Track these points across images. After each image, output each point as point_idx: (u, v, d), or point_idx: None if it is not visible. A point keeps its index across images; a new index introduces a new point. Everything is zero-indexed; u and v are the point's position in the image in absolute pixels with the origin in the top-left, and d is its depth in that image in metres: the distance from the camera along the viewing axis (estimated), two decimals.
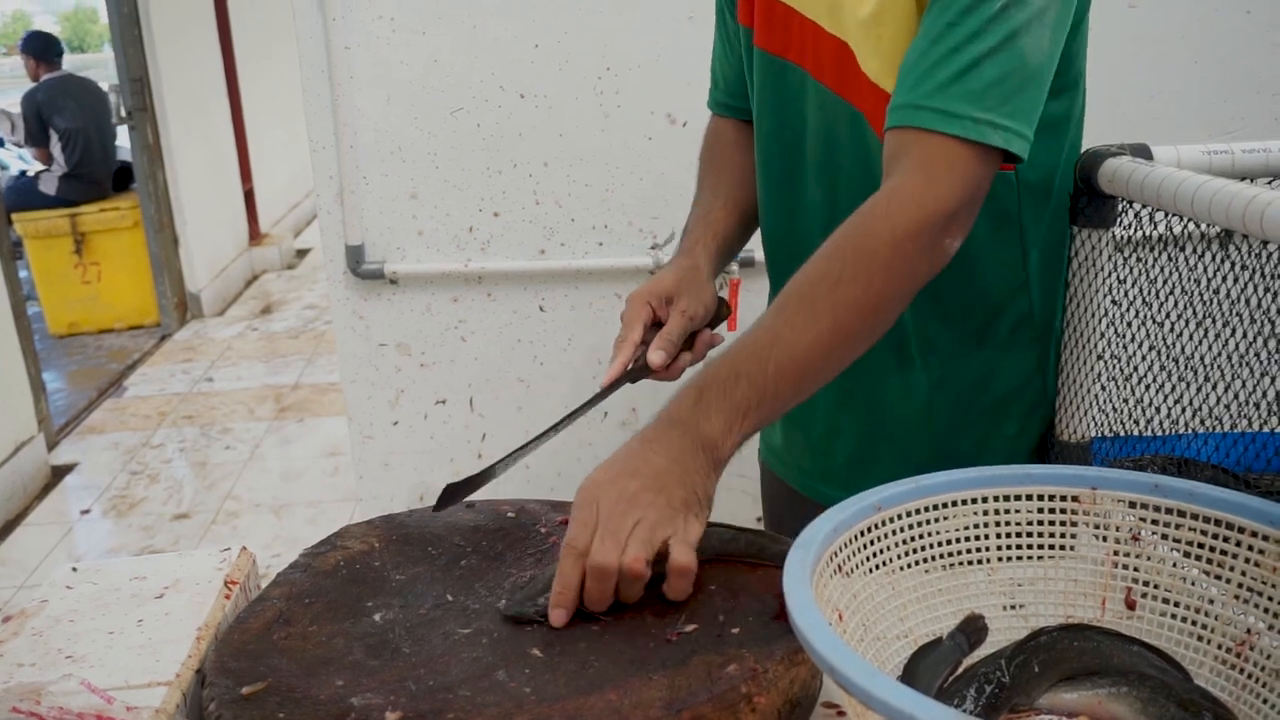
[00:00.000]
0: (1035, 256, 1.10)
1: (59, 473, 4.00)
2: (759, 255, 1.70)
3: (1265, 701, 0.75)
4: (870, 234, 0.91)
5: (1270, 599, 0.77)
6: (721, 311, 1.18)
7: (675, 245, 1.21)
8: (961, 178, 0.91)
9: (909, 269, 0.91)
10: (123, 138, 5.65)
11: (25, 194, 5.51)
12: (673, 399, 0.91)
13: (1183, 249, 1.09)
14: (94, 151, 5.60)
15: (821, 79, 1.08)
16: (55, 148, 5.53)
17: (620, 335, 1.06)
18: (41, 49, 5.75)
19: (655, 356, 1.05)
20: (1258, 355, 1.05)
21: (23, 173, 6.08)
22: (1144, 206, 1.05)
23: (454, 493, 1.00)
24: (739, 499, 2.32)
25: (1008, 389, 1.16)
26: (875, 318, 0.92)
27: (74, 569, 1.03)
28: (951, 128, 0.90)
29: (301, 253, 7.32)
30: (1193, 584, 0.81)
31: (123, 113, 5.38)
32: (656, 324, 1.10)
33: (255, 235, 6.96)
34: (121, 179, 5.76)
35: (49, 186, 5.51)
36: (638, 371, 1.06)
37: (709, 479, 0.90)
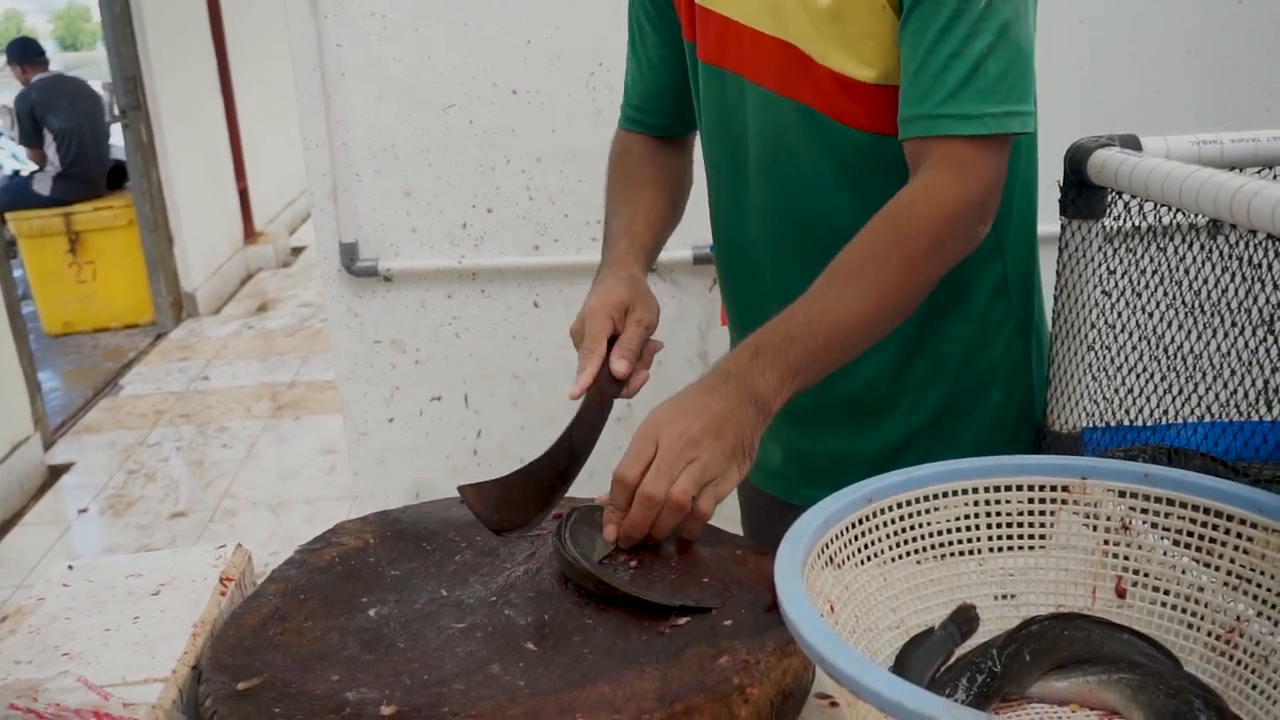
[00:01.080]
0: (1004, 218, 1.12)
1: (55, 472, 4.00)
2: None
3: (1254, 688, 0.76)
4: (912, 221, 0.99)
5: (1259, 586, 0.78)
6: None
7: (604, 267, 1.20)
8: (987, 168, 1.00)
9: (946, 254, 1.01)
10: (116, 136, 5.64)
11: (19, 193, 5.51)
12: (728, 355, 0.99)
13: (1172, 239, 1.09)
14: (88, 151, 5.59)
15: (760, 82, 1.11)
16: (49, 147, 5.53)
17: (586, 346, 1.07)
18: (23, 53, 5.74)
19: (619, 365, 1.07)
20: (1247, 344, 1.06)
21: (16, 172, 6.08)
22: (1133, 197, 1.05)
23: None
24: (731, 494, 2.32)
25: (991, 358, 1.18)
26: (914, 296, 1.01)
27: (70, 567, 1.03)
28: (973, 128, 0.97)
29: (296, 250, 7.31)
30: (1183, 572, 0.82)
31: (116, 111, 5.38)
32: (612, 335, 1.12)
33: (250, 233, 6.96)
34: (115, 178, 5.76)
35: (43, 186, 5.50)
36: (604, 388, 1.07)
37: (757, 431, 0.96)
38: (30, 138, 5.60)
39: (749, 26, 1.09)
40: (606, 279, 1.14)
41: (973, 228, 1.01)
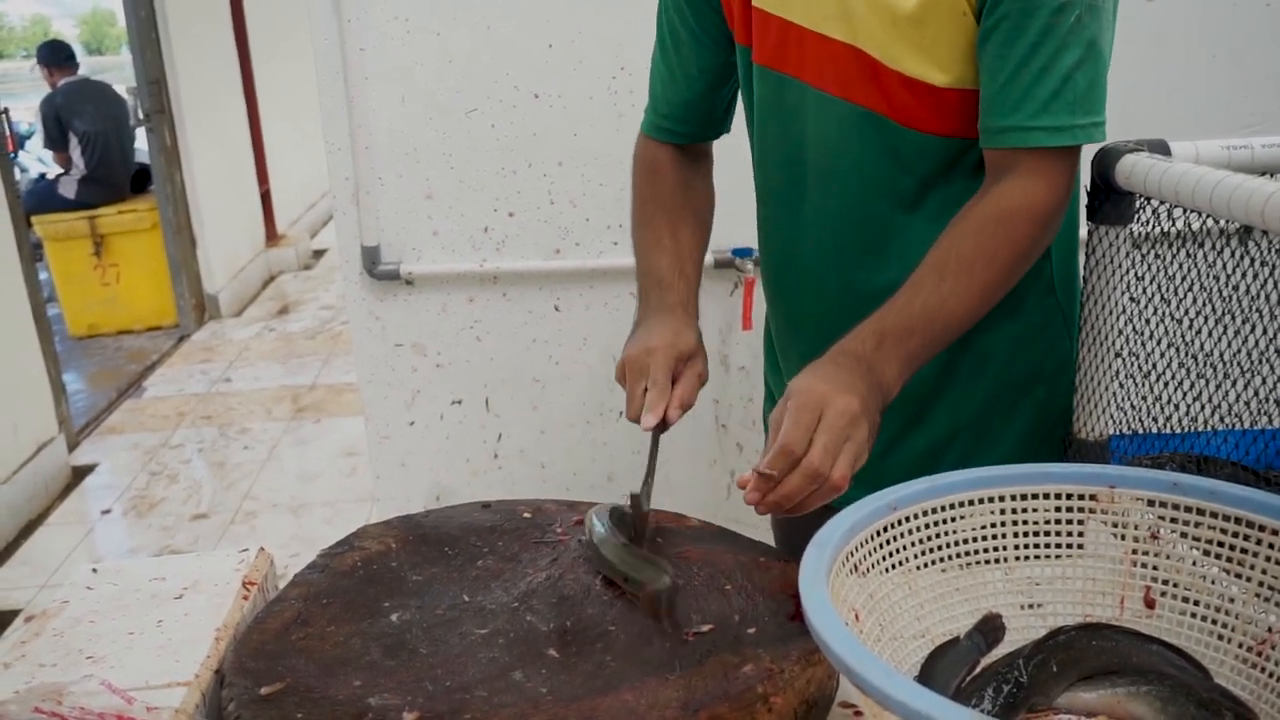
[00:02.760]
0: None
1: (79, 473, 4.03)
2: None
3: None
4: (1018, 226, 1.02)
5: None
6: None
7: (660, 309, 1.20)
8: (1070, 176, 1.04)
9: (1036, 251, 1.05)
10: (141, 140, 5.68)
11: (45, 197, 5.55)
12: (849, 338, 1.00)
13: (1201, 245, 1.08)
14: (112, 154, 5.63)
15: (823, 87, 1.11)
16: (74, 151, 5.56)
17: (654, 381, 1.08)
18: (53, 56, 5.79)
19: (674, 415, 1.09)
20: (1278, 351, 1.04)
21: (42, 175, 6.12)
22: (1162, 203, 1.04)
23: None
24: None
25: (1036, 354, 1.19)
26: (1007, 289, 1.05)
27: (94, 570, 1.04)
28: (1063, 140, 1.01)
29: (318, 253, 7.34)
30: (1213, 582, 0.81)
31: (140, 115, 5.41)
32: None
33: (272, 236, 6.99)
34: (139, 181, 5.79)
35: (68, 189, 5.54)
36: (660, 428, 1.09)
37: (879, 416, 0.97)
38: (56, 141, 5.64)
39: (813, 30, 1.09)
40: (669, 322, 1.15)
41: (1056, 230, 1.06)
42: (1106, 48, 1.02)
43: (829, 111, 1.11)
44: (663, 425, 1.08)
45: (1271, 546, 0.78)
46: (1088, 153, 1.10)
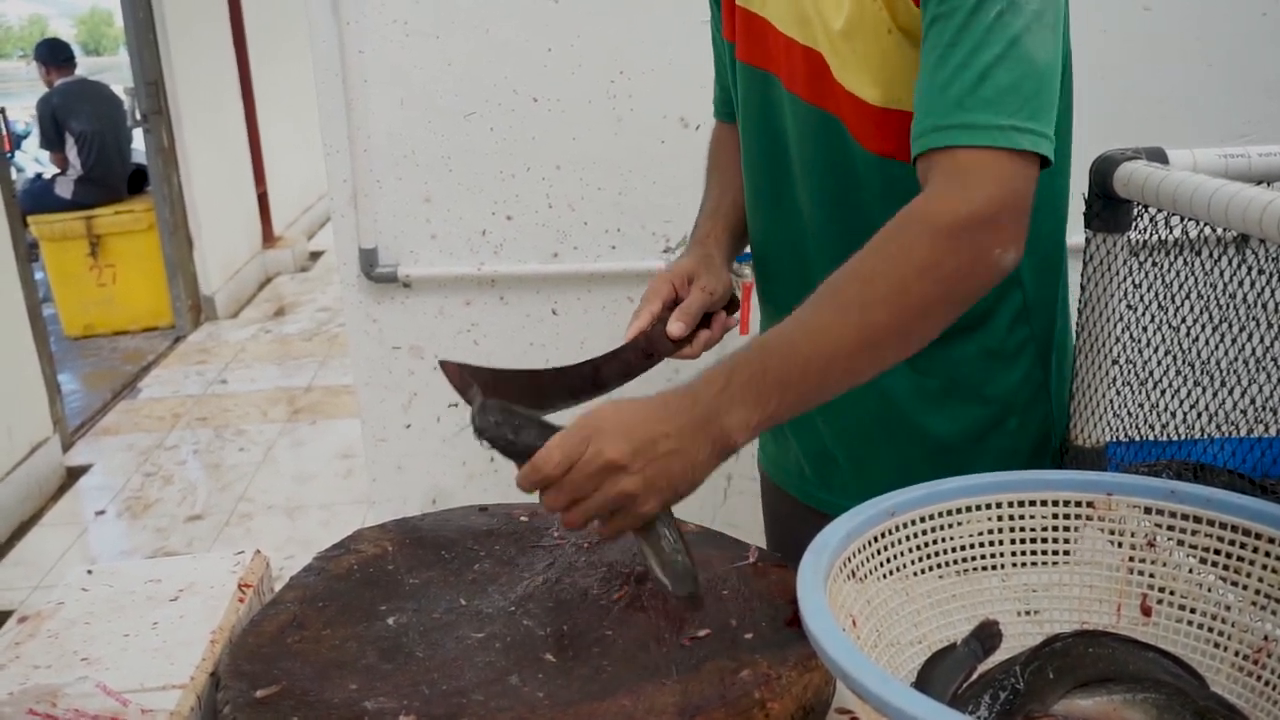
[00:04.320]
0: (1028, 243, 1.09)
1: (74, 474, 4.02)
2: None
3: None
4: (905, 235, 0.91)
5: None
6: (731, 305, 1.22)
7: (686, 248, 1.25)
8: (995, 183, 0.90)
9: (945, 271, 0.90)
10: (138, 141, 5.68)
11: (41, 197, 5.54)
12: (701, 375, 0.90)
13: (1198, 253, 1.08)
14: (109, 155, 5.63)
15: (794, 89, 1.10)
16: (71, 151, 5.56)
17: (638, 308, 1.11)
18: (51, 55, 5.79)
19: (674, 327, 1.09)
20: (1275, 359, 1.05)
21: (38, 175, 6.11)
22: (1159, 210, 1.04)
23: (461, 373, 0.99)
24: (751, 502, 2.31)
25: (1009, 384, 1.15)
26: (909, 322, 0.91)
27: (89, 571, 1.03)
28: (978, 139, 0.90)
29: (315, 255, 7.34)
30: (1209, 590, 0.81)
31: (138, 115, 5.41)
32: (676, 302, 1.14)
33: (269, 238, 6.98)
34: (136, 182, 5.79)
35: (64, 189, 5.54)
36: (656, 341, 1.09)
37: (700, 468, 0.88)
38: (52, 141, 5.64)
39: (784, 32, 1.09)
40: (681, 256, 1.18)
41: (981, 247, 0.90)
42: (1038, 51, 0.92)
43: (799, 112, 1.11)
44: (665, 344, 1.09)
45: (1268, 555, 0.78)
46: (1086, 161, 1.10)
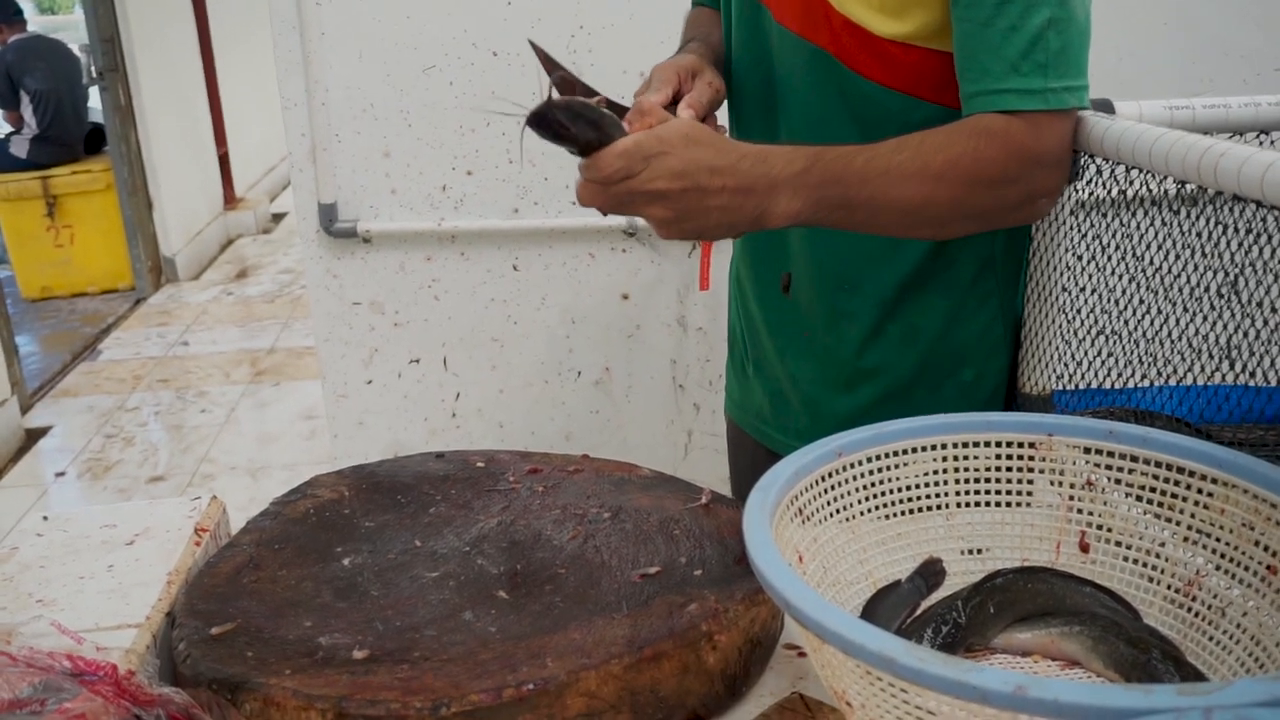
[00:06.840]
0: None
1: (33, 436, 3.98)
2: None
3: (1211, 639, 0.77)
4: (991, 144, 0.96)
5: (1218, 540, 0.79)
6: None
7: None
8: (1052, 140, 0.98)
9: (999, 196, 0.98)
10: (94, 99, 5.58)
11: None
12: (783, 149, 0.95)
13: (1143, 206, 1.10)
14: (65, 113, 5.53)
15: (783, 21, 1.10)
16: (26, 110, 5.46)
17: (646, 87, 1.06)
18: (1, 12, 5.65)
19: (686, 114, 1.05)
20: (1212, 305, 1.07)
21: None
22: (1106, 161, 1.06)
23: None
24: (711, 457, 2.34)
25: (968, 335, 1.17)
26: (954, 216, 0.99)
27: (44, 518, 1.03)
28: (1033, 104, 0.96)
29: (277, 217, 7.25)
30: (1145, 528, 0.83)
31: (94, 73, 5.31)
32: (674, 101, 1.10)
33: (230, 199, 6.90)
34: (93, 141, 5.70)
35: (20, 149, 5.44)
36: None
37: (729, 229, 0.95)
38: (6, 100, 5.53)
39: None
40: (674, 57, 1.14)
41: (1032, 189, 0.99)
42: (1080, 9, 0.97)
43: (786, 45, 1.11)
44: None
45: (1200, 491, 0.80)
46: None
